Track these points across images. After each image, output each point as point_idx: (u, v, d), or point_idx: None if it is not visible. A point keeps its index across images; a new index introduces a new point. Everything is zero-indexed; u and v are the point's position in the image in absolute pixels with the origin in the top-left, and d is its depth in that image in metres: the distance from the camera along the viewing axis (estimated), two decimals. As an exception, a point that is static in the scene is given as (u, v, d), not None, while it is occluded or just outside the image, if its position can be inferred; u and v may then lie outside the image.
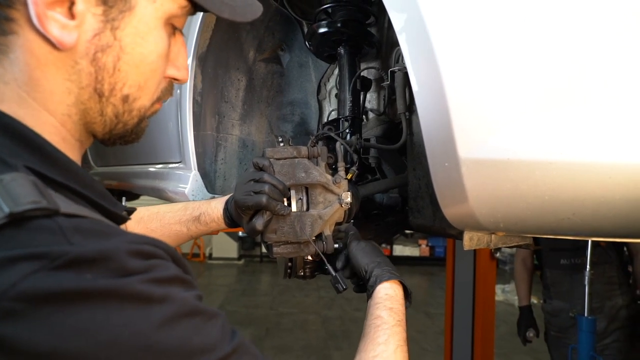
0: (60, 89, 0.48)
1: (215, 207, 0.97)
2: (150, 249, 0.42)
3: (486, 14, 0.62)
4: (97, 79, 0.49)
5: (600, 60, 0.55)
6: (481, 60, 0.62)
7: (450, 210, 0.72)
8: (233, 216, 0.94)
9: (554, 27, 0.58)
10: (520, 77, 0.59)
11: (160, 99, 0.56)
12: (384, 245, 7.90)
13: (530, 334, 2.54)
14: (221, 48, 1.38)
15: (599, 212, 0.58)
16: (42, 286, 0.35)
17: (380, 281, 0.81)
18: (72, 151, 0.51)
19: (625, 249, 2.42)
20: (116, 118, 0.52)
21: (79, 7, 0.45)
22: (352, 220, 1.06)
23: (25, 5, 0.43)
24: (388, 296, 0.79)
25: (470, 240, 0.79)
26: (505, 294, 6.15)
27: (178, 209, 0.98)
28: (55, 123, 0.49)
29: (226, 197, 0.98)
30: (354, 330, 5.19)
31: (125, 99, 0.52)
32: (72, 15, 0.45)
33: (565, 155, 0.56)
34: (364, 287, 0.87)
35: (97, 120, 0.51)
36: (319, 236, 0.93)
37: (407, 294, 0.83)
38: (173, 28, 0.55)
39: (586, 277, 2.18)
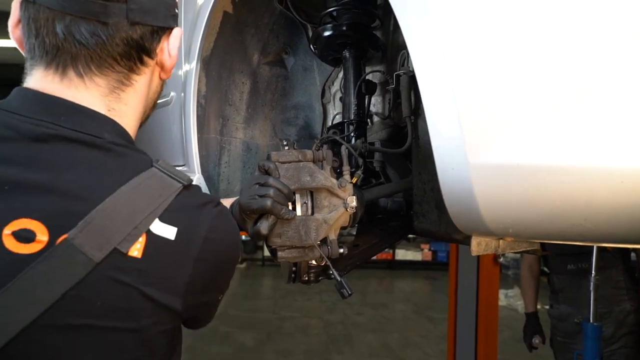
0: (148, 103, 0.74)
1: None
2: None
3: (496, 17, 0.61)
4: (156, 96, 0.76)
5: (612, 64, 0.54)
6: (491, 64, 0.61)
7: (459, 216, 0.71)
8: (237, 220, 0.93)
9: (565, 28, 0.57)
10: (531, 81, 0.58)
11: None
12: (386, 249, 7.89)
13: (537, 340, 2.52)
14: (225, 51, 1.37)
15: (612, 218, 0.57)
16: (221, 214, 0.69)
17: None
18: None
19: (632, 254, 2.40)
20: (147, 116, 0.78)
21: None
22: (356, 225, 1.05)
23: (159, 56, 0.70)
24: None
25: (478, 246, 0.78)
26: (509, 299, 6.11)
27: None
28: (134, 126, 0.71)
29: (231, 200, 0.97)
30: (355, 334, 5.17)
31: (155, 105, 0.79)
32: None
33: (577, 160, 0.56)
34: None
35: (143, 120, 0.76)
36: (324, 240, 0.92)
37: None
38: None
39: (591, 283, 2.16)
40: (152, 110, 0.77)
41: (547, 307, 2.55)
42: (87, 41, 0.62)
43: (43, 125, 0.59)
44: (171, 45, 0.71)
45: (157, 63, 0.70)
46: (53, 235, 0.54)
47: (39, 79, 0.63)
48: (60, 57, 0.63)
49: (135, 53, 0.66)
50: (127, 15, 0.63)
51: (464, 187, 0.64)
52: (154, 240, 0.59)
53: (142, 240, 0.58)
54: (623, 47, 0.54)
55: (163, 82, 0.76)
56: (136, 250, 0.57)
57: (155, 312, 0.59)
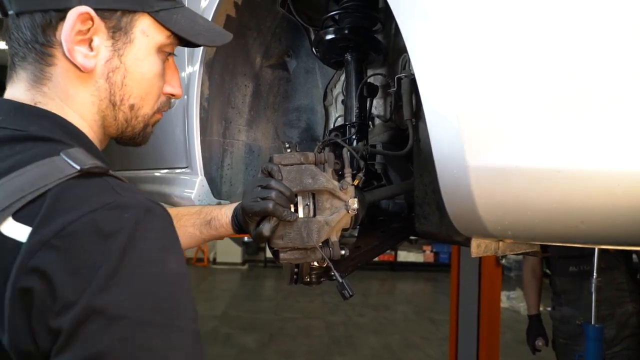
0: (87, 101, 0.67)
1: (225, 213, 0.98)
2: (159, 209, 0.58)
3: (495, 19, 0.62)
4: (111, 92, 0.68)
5: (608, 68, 0.55)
6: (489, 68, 0.62)
7: (458, 218, 0.72)
8: (241, 222, 0.94)
9: (562, 32, 0.58)
10: (529, 85, 0.59)
11: (160, 110, 0.75)
12: (388, 251, 7.88)
13: (540, 343, 2.52)
14: (228, 54, 1.39)
15: (608, 220, 0.57)
16: (89, 224, 0.51)
17: None
18: (99, 146, 0.71)
19: (634, 255, 2.40)
20: (126, 122, 0.71)
21: (95, 42, 0.65)
22: (358, 227, 1.06)
23: (61, 44, 0.63)
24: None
25: (478, 248, 0.79)
26: (511, 300, 6.10)
27: (194, 212, 1.01)
28: (86, 126, 0.68)
29: (235, 204, 0.99)
30: (357, 336, 5.17)
31: (132, 107, 0.70)
32: (91, 48, 0.64)
33: (573, 163, 0.56)
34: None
35: (112, 124, 0.70)
36: (326, 242, 0.93)
37: None
38: (166, 54, 0.72)
39: (593, 285, 2.16)
40: (126, 117, 0.70)
41: (549, 309, 2.55)
42: (7, 36, 0.64)
43: None
44: (63, 29, 0.62)
45: (65, 54, 0.63)
46: None
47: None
48: (10, 61, 0.66)
49: (31, 43, 0.63)
50: (11, 5, 0.63)
51: (463, 190, 0.65)
52: (2, 241, 0.50)
53: None
54: (619, 51, 0.55)
55: (106, 80, 0.67)
56: None
57: None
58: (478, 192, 0.63)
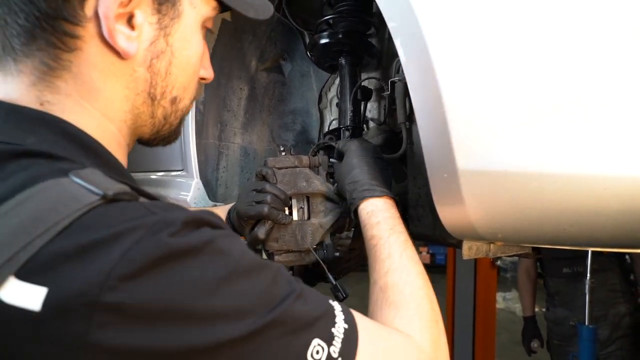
0: (119, 96, 0.51)
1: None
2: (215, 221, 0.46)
3: (483, 23, 0.63)
4: (152, 83, 0.52)
5: (596, 72, 0.56)
6: (479, 72, 0.63)
7: (449, 220, 0.73)
8: (235, 225, 0.95)
9: (551, 37, 0.59)
10: (518, 89, 0.60)
11: (194, 99, 0.60)
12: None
13: (535, 344, 2.53)
14: (224, 57, 1.39)
15: (596, 223, 0.59)
16: (148, 250, 0.37)
17: (359, 202, 0.77)
18: (123, 156, 0.55)
19: (627, 257, 2.42)
20: (164, 119, 0.56)
21: (138, 18, 0.49)
22: (353, 229, 1.06)
23: (92, 22, 0.47)
24: (371, 212, 0.76)
25: (469, 250, 0.80)
26: (507, 301, 6.12)
27: None
28: (113, 130, 0.52)
29: (229, 206, 0.99)
30: (354, 338, 5.15)
31: (174, 100, 0.55)
32: (132, 26, 0.49)
33: (562, 167, 0.57)
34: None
35: (148, 122, 0.55)
36: (320, 244, 0.94)
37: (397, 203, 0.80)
38: (206, 31, 0.58)
39: (587, 286, 2.18)
40: (161, 116, 0.55)
41: (544, 310, 2.57)
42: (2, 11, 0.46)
43: None
44: (100, 1, 0.46)
45: (98, 33, 0.47)
46: None
47: None
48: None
49: (44, 19, 0.45)
50: None
51: (454, 193, 0.66)
52: (1, 317, 0.34)
53: None
54: (608, 55, 0.56)
55: (147, 68, 0.51)
56: None
57: None
58: (468, 195, 0.64)
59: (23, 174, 0.40)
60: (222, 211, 0.99)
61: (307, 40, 1.45)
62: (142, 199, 0.43)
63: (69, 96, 0.48)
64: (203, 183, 1.38)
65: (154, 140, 0.58)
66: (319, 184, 0.93)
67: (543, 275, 2.59)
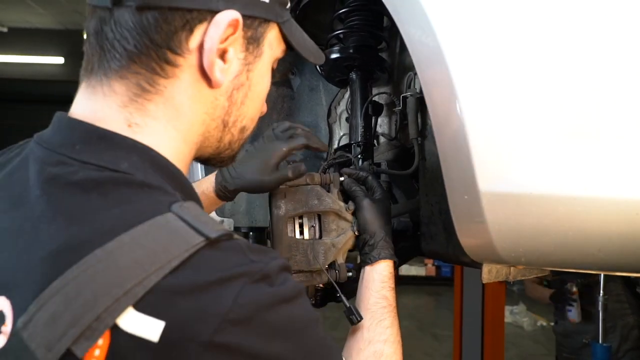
0: (198, 120, 0.55)
1: (203, 184, 0.91)
2: (288, 263, 0.52)
3: (508, 40, 0.61)
4: (228, 112, 0.57)
5: (626, 94, 0.54)
6: (502, 92, 0.61)
7: (470, 243, 0.70)
8: (245, 180, 0.87)
9: (579, 55, 0.57)
10: (543, 109, 0.58)
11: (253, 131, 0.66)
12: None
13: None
14: (232, 72, 1.38)
15: (627, 248, 0.56)
16: (254, 298, 0.42)
17: (385, 257, 0.85)
18: (186, 173, 0.58)
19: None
20: (229, 145, 0.60)
21: (230, 54, 0.54)
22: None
23: (194, 54, 0.52)
24: (391, 275, 0.85)
25: (489, 273, 0.77)
26: (514, 315, 6.03)
27: None
28: (186, 152, 0.56)
29: (209, 176, 0.93)
30: (360, 352, 5.09)
31: (242, 129, 0.60)
32: (224, 60, 0.54)
33: (590, 190, 0.55)
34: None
35: (213, 145, 0.59)
36: (332, 264, 0.92)
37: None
38: (273, 68, 0.64)
39: (599, 302, 2.14)
40: (228, 141, 0.59)
41: (552, 324, 2.52)
42: (98, 35, 0.50)
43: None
44: (208, 37, 0.51)
45: (197, 64, 0.52)
46: (17, 317, 0.40)
47: (76, 99, 0.53)
48: (88, 63, 0.52)
49: (153, 48, 0.49)
50: None
51: (476, 215, 0.64)
52: (121, 341, 0.38)
53: (102, 342, 0.38)
54: (635, 77, 0.54)
55: (228, 97, 0.56)
56: (93, 358, 0.38)
57: None
58: (491, 218, 0.62)
59: (128, 207, 0.44)
60: (205, 178, 0.92)
61: (317, 55, 1.44)
62: (236, 236, 0.47)
63: (156, 119, 0.52)
64: (210, 198, 1.35)
65: (212, 160, 0.62)
66: (330, 202, 0.91)
67: (549, 285, 2.54)
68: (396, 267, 0.89)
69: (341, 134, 1.50)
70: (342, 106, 1.50)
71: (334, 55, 1.15)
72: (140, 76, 0.50)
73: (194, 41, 0.51)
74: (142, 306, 0.39)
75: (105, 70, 0.50)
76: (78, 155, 0.47)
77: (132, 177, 0.47)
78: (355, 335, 0.78)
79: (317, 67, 1.31)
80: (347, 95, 1.43)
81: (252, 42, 0.56)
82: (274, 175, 0.85)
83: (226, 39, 0.52)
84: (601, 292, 2.14)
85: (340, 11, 1.16)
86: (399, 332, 0.79)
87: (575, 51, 0.56)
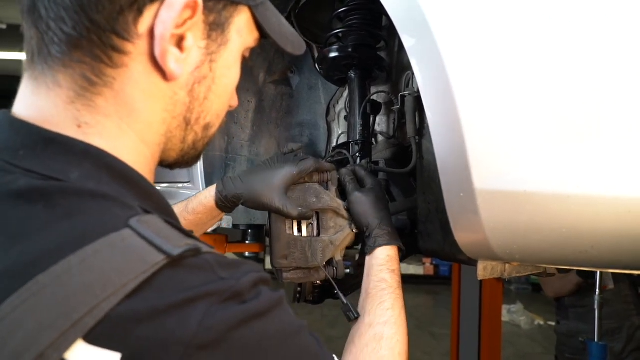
0: (157, 119, 0.49)
1: (202, 194, 0.90)
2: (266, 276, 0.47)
3: (505, 38, 0.62)
4: (189, 108, 0.51)
5: (619, 93, 0.55)
6: (498, 91, 0.62)
7: (465, 240, 0.71)
8: (228, 198, 0.87)
9: (573, 56, 0.58)
10: (538, 108, 0.59)
11: (220, 127, 0.59)
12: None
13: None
14: (232, 70, 1.39)
15: (619, 245, 0.57)
16: (222, 318, 0.38)
17: (381, 244, 0.84)
18: (152, 180, 0.52)
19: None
20: (193, 144, 0.54)
21: (189, 41, 0.47)
22: (361, 244, 1.05)
23: (144, 39, 0.45)
24: (390, 258, 0.83)
25: (484, 270, 0.78)
26: (511, 314, 6.05)
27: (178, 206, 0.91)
28: (147, 154, 0.50)
29: (209, 188, 0.92)
30: (357, 350, 5.10)
31: (206, 126, 0.54)
32: (181, 48, 0.47)
33: (583, 188, 0.56)
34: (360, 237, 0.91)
35: (177, 147, 0.53)
36: (330, 262, 0.93)
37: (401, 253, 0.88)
38: (243, 58, 0.57)
39: (596, 301, 2.14)
40: (196, 142, 0.53)
41: (554, 324, 2.52)
42: (32, 13, 0.43)
43: None
44: (159, 20, 0.44)
45: (148, 52, 0.45)
46: None
47: (19, 93, 0.46)
48: (27, 49, 0.45)
49: (94, 31, 0.42)
50: None
51: (471, 213, 0.64)
52: None
53: None
54: (628, 76, 0.55)
55: (189, 92, 0.49)
56: None
57: None
58: (486, 215, 0.63)
59: (76, 221, 0.38)
60: (206, 190, 0.91)
61: (316, 53, 1.45)
62: (204, 248, 0.42)
63: (107, 117, 0.45)
64: (209, 196, 1.36)
65: (176, 164, 0.56)
66: (329, 199, 0.92)
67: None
68: (401, 250, 0.87)
69: (340, 132, 1.51)
70: (341, 105, 1.51)
71: (333, 54, 1.16)
72: (85, 65, 0.43)
73: (143, 25, 0.44)
74: (94, 338, 0.34)
75: (45, 58, 0.44)
76: (21, 162, 0.41)
77: (83, 185, 0.41)
78: (357, 322, 0.77)
79: (316, 65, 1.32)
80: (345, 93, 1.44)
81: (216, 28, 0.49)
82: (279, 193, 0.85)
83: (183, 23, 0.45)
84: (597, 290, 2.15)
85: (340, 10, 1.17)
86: (403, 313, 0.75)
87: (569, 50, 0.57)
